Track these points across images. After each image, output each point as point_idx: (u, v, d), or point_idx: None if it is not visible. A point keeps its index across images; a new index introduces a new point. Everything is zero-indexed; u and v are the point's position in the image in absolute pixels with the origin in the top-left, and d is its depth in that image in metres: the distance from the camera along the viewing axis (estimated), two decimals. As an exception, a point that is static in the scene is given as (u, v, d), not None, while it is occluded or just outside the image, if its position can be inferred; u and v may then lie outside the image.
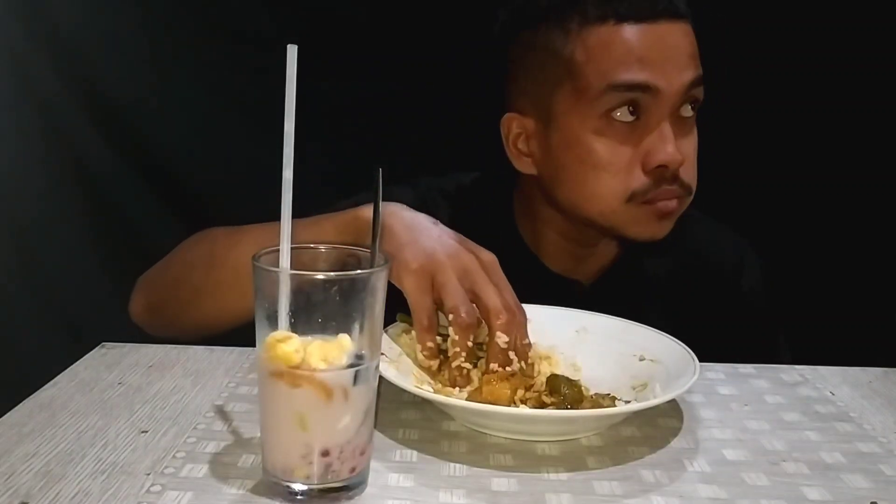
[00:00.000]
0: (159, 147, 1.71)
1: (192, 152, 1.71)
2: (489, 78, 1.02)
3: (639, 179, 0.92)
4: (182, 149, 1.71)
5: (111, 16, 1.62)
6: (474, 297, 0.75)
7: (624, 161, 0.92)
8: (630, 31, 0.90)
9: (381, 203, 0.65)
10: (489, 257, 0.78)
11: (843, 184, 1.70)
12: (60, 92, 1.61)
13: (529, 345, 0.77)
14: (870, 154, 1.70)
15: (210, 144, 1.70)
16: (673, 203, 0.94)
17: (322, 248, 0.64)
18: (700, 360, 0.75)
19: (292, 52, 0.59)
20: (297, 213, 0.60)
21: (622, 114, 0.91)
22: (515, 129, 0.99)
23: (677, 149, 0.91)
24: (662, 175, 0.91)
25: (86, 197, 1.66)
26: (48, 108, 1.60)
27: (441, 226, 0.81)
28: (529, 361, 0.76)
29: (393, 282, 0.75)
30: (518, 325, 0.75)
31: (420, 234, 0.78)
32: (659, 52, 0.90)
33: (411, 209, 0.83)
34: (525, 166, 0.99)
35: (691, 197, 0.96)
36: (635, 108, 0.91)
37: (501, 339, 0.74)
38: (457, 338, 0.74)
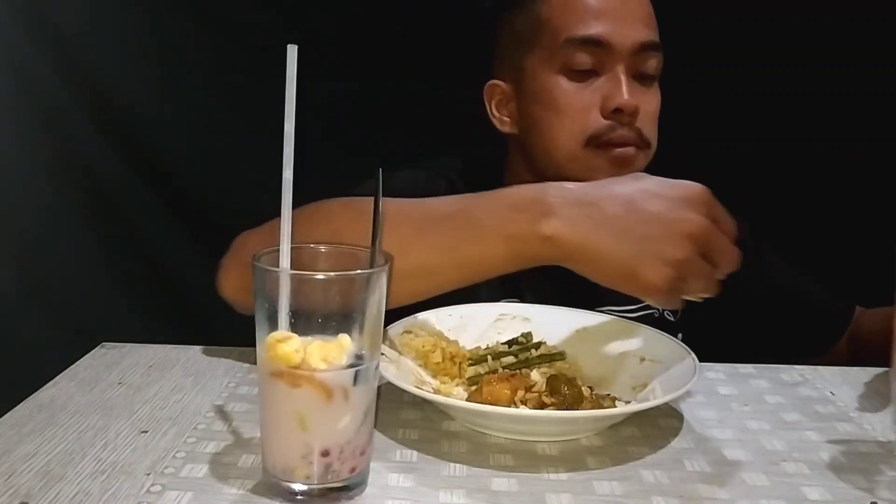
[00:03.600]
0: (158, 146, 1.71)
1: (192, 152, 1.71)
2: (478, 58, 1.11)
3: (596, 122, 1.00)
4: (181, 148, 1.71)
5: (113, 19, 1.62)
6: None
7: (582, 104, 1.00)
8: None
9: (381, 203, 0.65)
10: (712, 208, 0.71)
11: (842, 184, 1.70)
12: (61, 93, 1.61)
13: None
14: (870, 154, 1.70)
15: (210, 144, 1.70)
16: (630, 150, 1.00)
17: (322, 248, 0.64)
18: (700, 360, 0.75)
19: (292, 52, 0.59)
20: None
21: (579, 64, 1.00)
22: (497, 94, 1.09)
23: (633, 98, 0.99)
24: (619, 119, 0.99)
25: (85, 196, 1.66)
26: (48, 108, 1.60)
27: (631, 184, 0.73)
28: None
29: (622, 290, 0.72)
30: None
31: (623, 223, 0.70)
32: (614, 10, 1.00)
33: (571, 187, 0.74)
34: (506, 126, 1.09)
35: (650, 152, 1.02)
36: (592, 61, 1.00)
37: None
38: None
